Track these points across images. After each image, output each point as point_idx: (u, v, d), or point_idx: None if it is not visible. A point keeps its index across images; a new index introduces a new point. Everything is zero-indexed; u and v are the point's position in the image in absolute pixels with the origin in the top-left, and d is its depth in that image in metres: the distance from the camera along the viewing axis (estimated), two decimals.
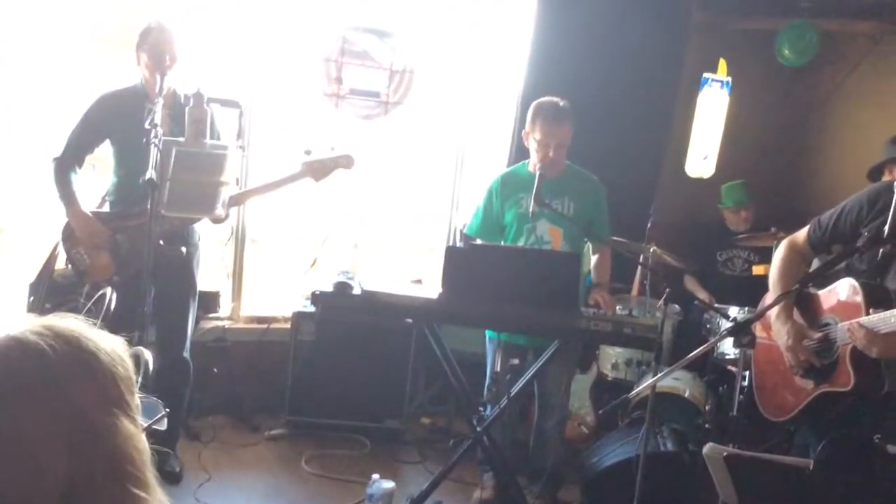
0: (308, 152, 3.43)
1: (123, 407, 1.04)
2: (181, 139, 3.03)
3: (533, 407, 3.81)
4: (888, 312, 2.21)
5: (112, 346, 1.06)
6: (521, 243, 3.48)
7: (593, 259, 3.66)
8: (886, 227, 2.33)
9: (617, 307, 3.40)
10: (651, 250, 4.28)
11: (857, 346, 2.27)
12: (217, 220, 3.32)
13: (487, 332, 3.64)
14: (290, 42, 4.24)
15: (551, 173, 3.43)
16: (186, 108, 3.02)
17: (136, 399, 1.08)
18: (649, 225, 4.48)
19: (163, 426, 1.33)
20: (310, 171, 3.39)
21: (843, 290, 2.41)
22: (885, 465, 2.25)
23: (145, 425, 1.11)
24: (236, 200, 3.41)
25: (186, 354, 3.56)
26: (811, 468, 2.10)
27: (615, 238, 3.84)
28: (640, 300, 4.47)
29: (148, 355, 2.73)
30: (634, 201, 4.61)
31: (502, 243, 3.54)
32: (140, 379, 1.13)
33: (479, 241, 3.60)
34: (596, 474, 3.60)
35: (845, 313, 2.36)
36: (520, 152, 4.15)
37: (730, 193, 4.74)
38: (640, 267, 4.41)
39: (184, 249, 3.37)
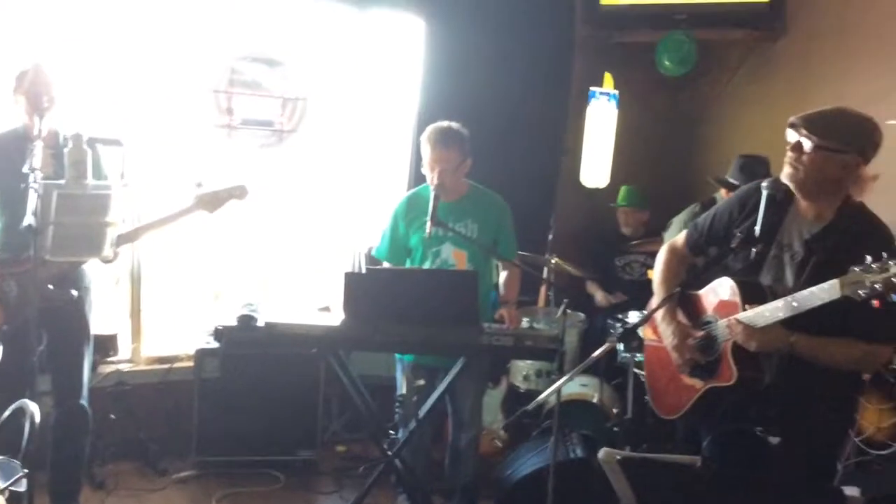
0: (199, 185, 3.37)
1: None
2: (62, 181, 2.95)
3: (447, 425, 3.82)
4: (763, 307, 2.32)
5: None
6: (426, 266, 3.50)
7: (502, 276, 3.70)
8: (757, 227, 2.44)
9: (523, 320, 3.45)
10: (553, 262, 4.39)
11: (736, 342, 2.37)
12: (106, 261, 3.23)
13: (396, 355, 3.65)
14: (176, 75, 4.18)
15: (452, 196, 3.46)
16: (65, 150, 2.94)
17: None
18: (550, 237, 4.59)
19: (21, 487, 1.29)
20: (202, 204, 3.34)
21: (721, 289, 2.51)
22: (768, 456, 2.36)
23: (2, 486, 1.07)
24: (127, 238, 3.33)
25: (84, 402, 3.43)
26: (699, 464, 2.17)
27: (518, 252, 3.90)
28: (547, 311, 4.55)
29: (34, 408, 2.64)
30: (535, 214, 4.70)
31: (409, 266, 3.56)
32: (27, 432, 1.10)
33: (385, 265, 3.61)
34: (509, 487, 3.64)
35: (724, 311, 2.46)
36: (418, 176, 4.19)
37: (627, 194, 4.90)
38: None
39: (74, 293, 3.27)
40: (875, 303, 2.02)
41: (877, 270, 2.01)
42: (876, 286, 2.00)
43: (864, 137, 2.31)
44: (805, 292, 2.19)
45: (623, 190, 4.94)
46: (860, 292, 2.03)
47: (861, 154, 2.30)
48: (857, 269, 2.05)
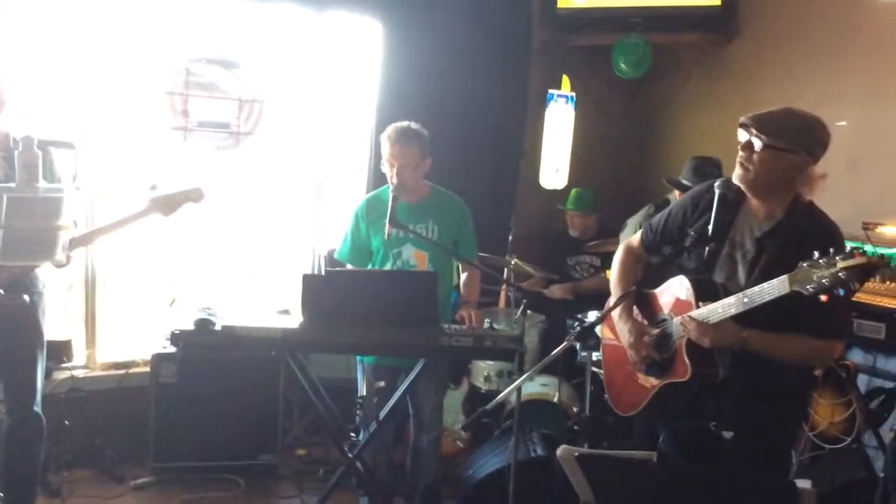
0: (154, 187, 3.33)
1: None
2: (13, 185, 2.89)
3: (409, 426, 3.82)
4: (715, 304, 2.36)
5: None
6: (388, 268, 3.49)
7: (462, 276, 3.71)
8: (710, 227, 2.48)
9: (484, 321, 3.46)
10: (513, 263, 4.42)
11: (690, 338, 2.41)
12: (59, 265, 3.17)
13: (357, 356, 3.64)
14: (130, 76, 4.12)
15: (413, 198, 3.47)
16: (16, 153, 2.88)
17: None
18: (510, 238, 4.62)
19: None
20: (156, 207, 3.29)
21: (676, 287, 2.55)
22: (723, 450, 2.41)
23: None
24: (81, 242, 3.27)
25: (38, 408, 3.37)
26: (654, 460, 2.21)
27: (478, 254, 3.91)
28: (507, 312, 4.58)
29: None
30: (494, 216, 4.73)
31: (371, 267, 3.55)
32: None
33: (348, 266, 3.60)
34: (471, 487, 3.66)
35: (679, 309, 2.51)
36: (378, 177, 4.19)
37: (575, 198, 4.92)
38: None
39: (26, 297, 3.21)
40: (823, 297, 2.07)
41: (824, 266, 2.06)
42: (823, 281, 2.05)
43: (813, 137, 2.37)
44: (756, 288, 2.24)
45: (572, 193, 4.96)
46: (808, 287, 2.08)
47: (810, 154, 2.36)
48: (805, 264, 2.10)
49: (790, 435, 2.81)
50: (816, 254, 2.09)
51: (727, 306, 2.32)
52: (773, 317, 2.30)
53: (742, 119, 2.40)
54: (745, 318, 2.32)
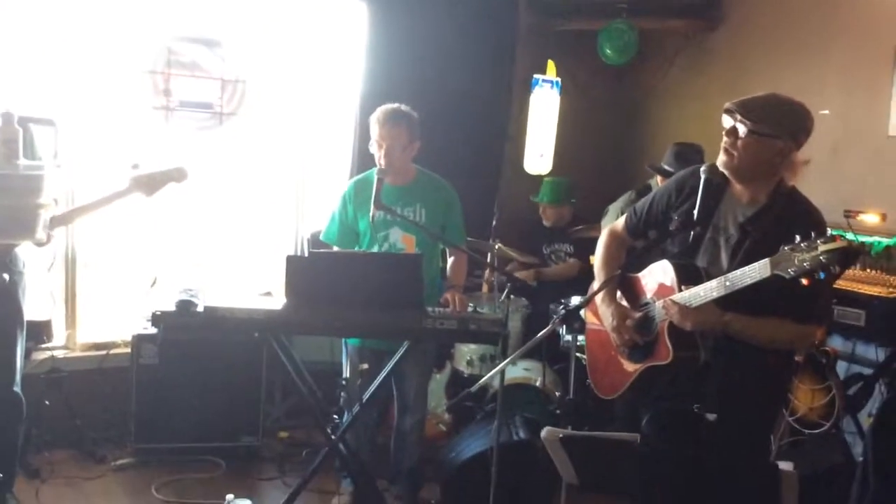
0: (136, 166, 3.30)
1: None
2: None
3: (393, 409, 3.83)
4: (698, 287, 2.37)
5: None
6: (375, 251, 3.48)
7: (449, 261, 3.70)
8: (695, 211, 2.49)
9: (468, 305, 3.46)
10: (496, 247, 4.42)
11: (672, 322, 2.42)
12: (39, 244, 3.14)
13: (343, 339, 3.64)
14: (112, 54, 4.07)
15: (400, 181, 3.46)
16: None
17: None
18: (494, 222, 4.62)
19: None
20: (138, 186, 3.26)
21: (659, 271, 2.56)
22: (705, 433, 2.42)
23: None
24: (61, 221, 3.24)
25: (17, 388, 3.34)
26: (638, 441, 2.22)
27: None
28: (491, 296, 4.59)
29: None
30: (478, 200, 4.72)
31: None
32: None
33: (335, 248, 3.58)
34: (454, 470, 3.67)
35: (662, 293, 2.51)
36: (362, 159, 4.17)
37: (547, 190, 4.88)
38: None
39: (6, 277, 3.17)
40: (804, 281, 2.09)
41: (805, 249, 2.08)
42: (804, 264, 2.07)
43: (797, 123, 2.38)
44: (738, 272, 2.25)
45: (544, 185, 4.91)
46: (790, 270, 2.10)
47: (794, 139, 2.37)
48: (786, 248, 2.12)
49: (770, 418, 2.83)
50: (798, 237, 2.10)
51: (709, 290, 2.33)
52: (754, 301, 2.31)
53: (727, 104, 2.41)
54: (726, 302, 2.34)
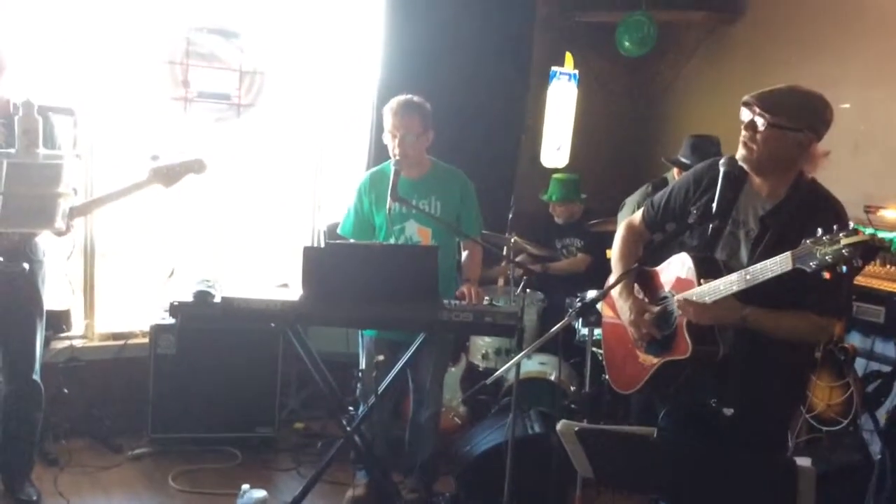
0: (155, 157, 3.31)
1: None
2: (12, 150, 2.87)
3: (408, 401, 3.83)
4: (717, 281, 2.35)
5: None
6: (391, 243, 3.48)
7: (464, 254, 3.68)
8: (714, 204, 2.47)
9: (484, 298, 3.45)
10: (513, 240, 4.41)
11: (689, 319, 2.40)
12: (59, 233, 3.16)
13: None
14: (130, 45, 4.08)
15: (414, 173, 3.46)
16: (16, 118, 2.86)
17: None
18: (510, 215, 4.60)
19: None
20: (157, 178, 3.28)
21: (677, 264, 2.54)
22: (723, 427, 2.41)
23: None
24: (80, 211, 3.26)
25: (36, 377, 3.38)
26: (655, 435, 2.21)
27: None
28: (506, 290, 4.58)
29: None
30: (495, 193, 4.71)
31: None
32: None
33: (352, 241, 3.58)
34: (468, 463, 3.67)
35: (680, 286, 2.49)
36: (379, 152, 4.16)
37: (556, 188, 4.84)
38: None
39: (26, 266, 3.20)
40: (826, 274, 2.07)
41: (827, 242, 2.05)
42: (826, 258, 2.04)
43: (816, 115, 2.35)
44: (758, 265, 2.23)
45: (552, 183, 4.87)
46: (811, 264, 2.08)
47: (813, 132, 2.34)
48: (808, 241, 2.10)
49: (787, 415, 2.82)
50: (820, 231, 2.08)
51: (729, 283, 2.31)
52: (775, 295, 2.29)
53: (745, 98, 2.38)
54: (746, 296, 2.32)
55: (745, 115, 2.38)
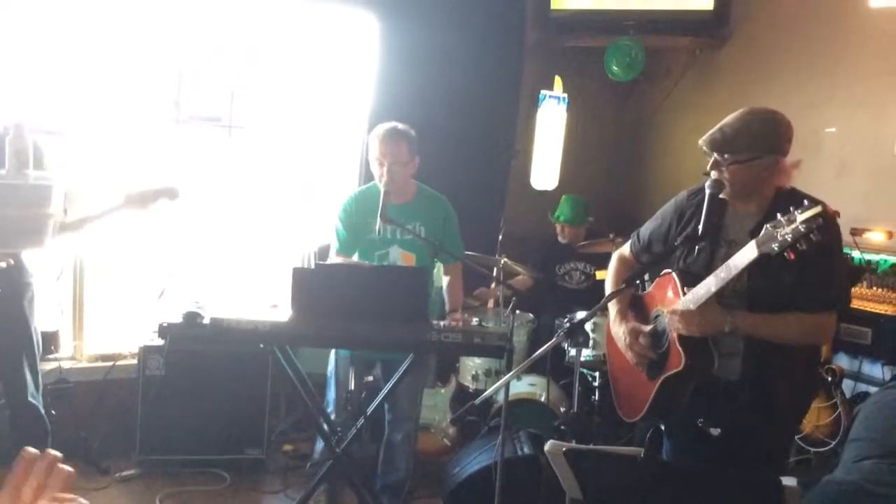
0: (130, 182, 3.33)
1: None
2: (2, 171, 2.88)
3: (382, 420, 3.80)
4: (696, 287, 2.37)
5: None
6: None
7: (445, 281, 3.70)
8: (700, 227, 2.48)
9: (472, 320, 3.45)
10: (502, 262, 4.42)
11: (679, 332, 2.41)
12: (47, 254, 3.16)
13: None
14: (123, 66, 4.10)
15: (399, 199, 3.47)
16: (6, 139, 2.87)
17: None
18: (500, 237, 4.62)
19: None
20: (131, 202, 3.30)
21: (664, 282, 2.56)
22: (710, 447, 2.42)
23: None
24: (69, 230, 3.27)
25: (32, 399, 3.37)
26: (641, 456, 2.21)
27: (468, 252, 3.91)
28: (496, 311, 4.59)
29: None
30: (485, 216, 4.74)
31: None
32: None
33: (355, 257, 3.58)
34: (457, 484, 3.64)
35: (669, 301, 2.51)
36: (369, 172, 4.18)
37: (566, 210, 4.86)
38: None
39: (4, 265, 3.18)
40: (790, 255, 2.09)
41: (785, 223, 2.09)
42: (786, 237, 2.07)
43: (773, 137, 2.37)
44: (729, 261, 2.26)
45: (563, 202, 4.89)
46: (773, 246, 2.10)
47: (775, 152, 2.37)
48: (769, 226, 2.13)
49: (788, 438, 2.83)
50: (779, 215, 2.11)
51: (707, 286, 2.33)
52: (774, 302, 2.33)
53: (700, 143, 2.42)
54: (753, 308, 2.35)
55: (708, 155, 2.42)
